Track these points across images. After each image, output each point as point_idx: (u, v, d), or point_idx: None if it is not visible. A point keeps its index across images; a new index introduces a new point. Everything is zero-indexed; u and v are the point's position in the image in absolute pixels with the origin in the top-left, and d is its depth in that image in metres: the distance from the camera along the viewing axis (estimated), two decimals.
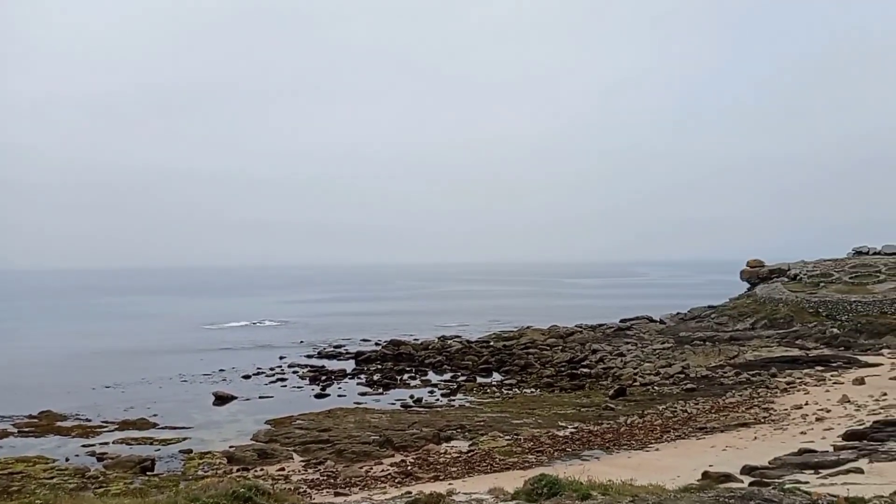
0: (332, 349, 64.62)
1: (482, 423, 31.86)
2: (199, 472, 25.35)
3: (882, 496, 7.17)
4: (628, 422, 31.68)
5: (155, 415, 36.61)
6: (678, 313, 74.07)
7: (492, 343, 63.31)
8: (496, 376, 50.02)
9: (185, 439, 31.37)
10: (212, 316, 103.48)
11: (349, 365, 55.14)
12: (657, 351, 52.68)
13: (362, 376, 49.86)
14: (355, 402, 39.75)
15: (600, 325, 70.13)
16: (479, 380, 47.94)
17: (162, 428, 33.81)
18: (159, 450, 29.50)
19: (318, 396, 42.91)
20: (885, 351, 46.17)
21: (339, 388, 45.56)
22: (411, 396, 41.27)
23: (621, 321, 72.73)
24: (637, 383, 42.31)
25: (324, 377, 49.26)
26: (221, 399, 41.19)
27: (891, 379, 36.09)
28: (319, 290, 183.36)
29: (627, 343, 57.91)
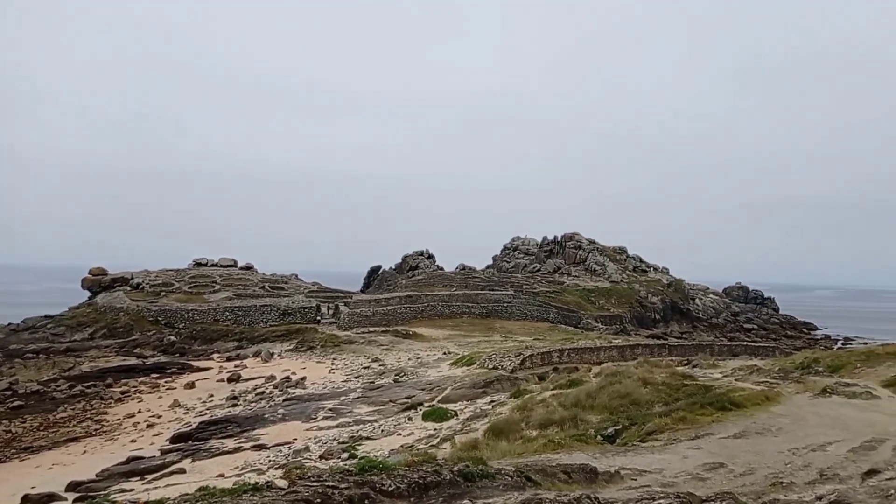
0: None
1: None
2: None
3: (187, 494, 7.06)
4: None
5: None
6: (10, 324, 66.60)
7: None
8: None
9: None
10: None
11: None
12: None
13: None
14: None
15: None
16: None
17: None
18: None
19: None
20: (215, 355, 49.91)
21: None
22: None
23: None
24: None
25: None
26: None
27: (218, 381, 39.00)
28: None
29: None
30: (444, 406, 25.46)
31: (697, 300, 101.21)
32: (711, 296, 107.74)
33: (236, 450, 21.76)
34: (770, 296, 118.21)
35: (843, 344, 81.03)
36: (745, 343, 58.71)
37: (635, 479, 10.05)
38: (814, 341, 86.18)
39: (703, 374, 23.14)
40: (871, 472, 9.41)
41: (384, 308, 62.16)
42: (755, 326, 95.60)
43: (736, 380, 21.36)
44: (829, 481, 9.51)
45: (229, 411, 29.75)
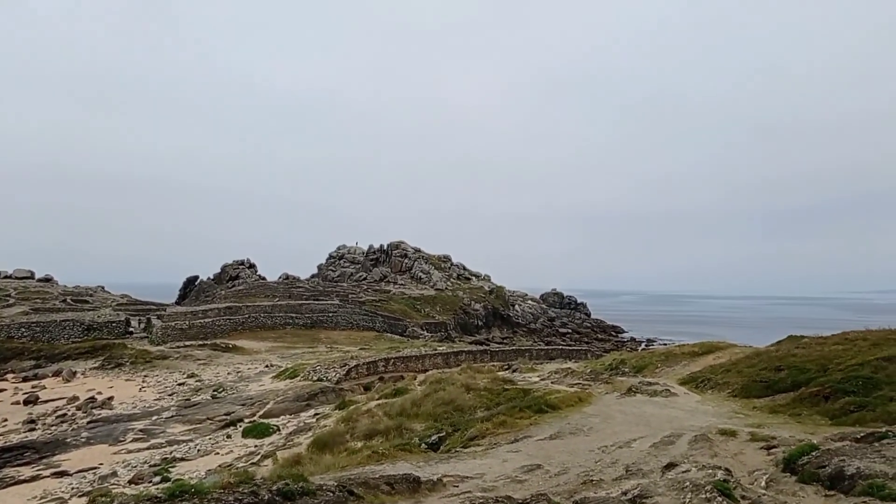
0: None
1: None
2: None
3: None
4: None
5: None
6: None
7: None
8: None
9: None
10: None
11: None
12: None
13: None
14: None
15: None
16: None
17: None
18: None
19: None
20: (9, 376, 45.20)
21: None
22: None
23: None
24: None
25: None
26: None
27: (13, 403, 35.39)
28: None
29: None
30: (266, 421, 24.70)
31: (517, 306, 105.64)
32: (530, 302, 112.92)
33: (34, 478, 20.16)
34: (583, 301, 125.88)
35: (646, 345, 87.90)
36: (560, 347, 61.93)
37: (457, 486, 10.17)
38: (621, 343, 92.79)
39: (522, 379, 24.08)
40: (670, 466, 10.12)
41: (202, 320, 59.29)
42: (570, 331, 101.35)
43: (552, 383, 22.42)
44: (634, 476, 10.13)
45: (26, 436, 27.06)
